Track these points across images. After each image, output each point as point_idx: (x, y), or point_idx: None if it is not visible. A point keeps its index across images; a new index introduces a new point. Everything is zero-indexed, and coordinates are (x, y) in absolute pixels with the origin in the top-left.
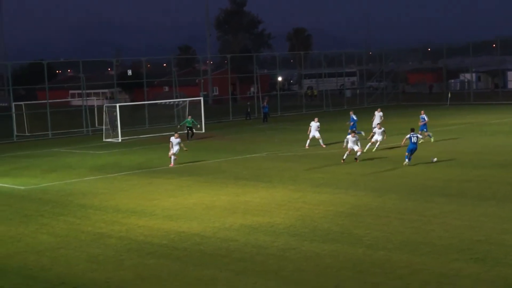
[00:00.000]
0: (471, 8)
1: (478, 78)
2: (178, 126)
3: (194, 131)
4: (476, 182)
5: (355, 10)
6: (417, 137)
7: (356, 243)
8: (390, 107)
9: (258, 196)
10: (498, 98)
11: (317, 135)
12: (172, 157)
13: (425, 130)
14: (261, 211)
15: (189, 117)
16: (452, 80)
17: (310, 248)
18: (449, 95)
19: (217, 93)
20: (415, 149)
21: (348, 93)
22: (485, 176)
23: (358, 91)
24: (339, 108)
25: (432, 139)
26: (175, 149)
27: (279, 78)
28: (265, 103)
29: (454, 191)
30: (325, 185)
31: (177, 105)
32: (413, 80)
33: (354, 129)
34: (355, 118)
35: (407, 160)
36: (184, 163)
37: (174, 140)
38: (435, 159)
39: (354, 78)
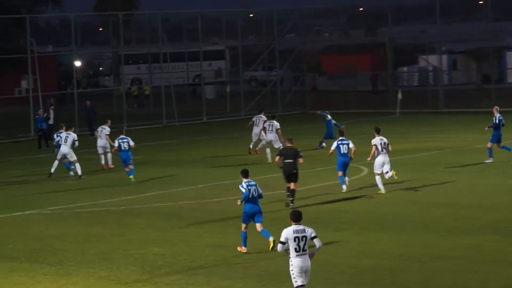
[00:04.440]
0: None
1: (453, 63)
2: None
3: None
4: None
5: None
6: (348, 144)
7: None
8: (287, 119)
9: None
10: (490, 102)
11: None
12: None
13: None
14: None
15: None
16: (405, 68)
17: None
18: (399, 96)
19: None
20: (347, 162)
21: (209, 91)
22: None
23: (228, 89)
24: (194, 119)
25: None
26: None
27: (77, 63)
28: (40, 112)
29: None
30: (164, 266)
31: None
32: (331, 67)
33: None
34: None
35: (343, 186)
36: None
37: None
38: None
39: (220, 63)
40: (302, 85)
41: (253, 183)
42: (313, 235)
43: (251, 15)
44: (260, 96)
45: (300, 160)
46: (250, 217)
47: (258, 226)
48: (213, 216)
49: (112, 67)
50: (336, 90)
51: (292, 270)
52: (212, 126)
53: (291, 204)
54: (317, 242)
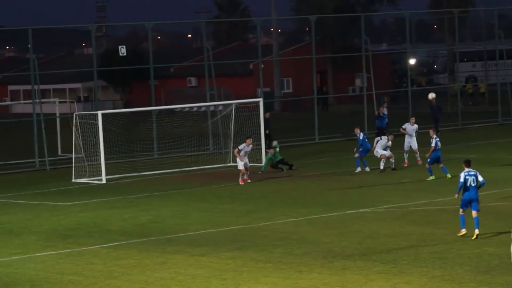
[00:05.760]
0: None
1: None
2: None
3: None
4: None
5: None
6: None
7: None
8: None
9: None
10: None
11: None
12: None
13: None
14: None
15: (275, 142)
16: None
17: None
18: None
19: (290, 90)
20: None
21: None
22: None
23: None
24: None
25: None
26: (245, 160)
27: (411, 61)
28: (382, 110)
29: None
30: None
31: (214, 112)
32: None
33: None
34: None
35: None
36: (225, 226)
37: (246, 147)
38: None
39: None
40: None
41: (472, 172)
42: None
43: None
44: None
45: None
46: (467, 203)
47: (474, 213)
48: None
49: (446, 65)
50: None
51: None
52: None
53: None
54: None
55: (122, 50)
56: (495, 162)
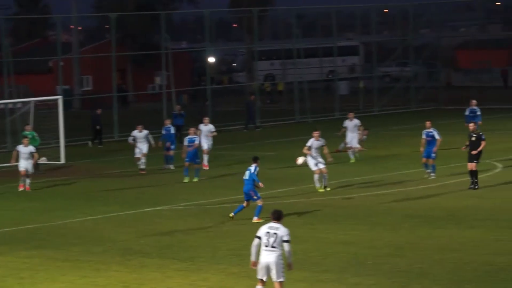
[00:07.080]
0: None
1: None
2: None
3: (41, 161)
4: None
5: None
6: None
7: None
8: (421, 114)
9: None
10: None
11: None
12: (27, 180)
13: None
14: None
15: (28, 127)
16: None
17: None
18: None
19: (90, 88)
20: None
21: (342, 87)
22: None
23: (361, 85)
24: (327, 115)
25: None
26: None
27: (211, 59)
28: (179, 108)
29: None
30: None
31: (12, 110)
32: (466, 63)
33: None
34: None
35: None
36: (22, 225)
37: (22, 148)
38: None
39: (354, 59)
40: (436, 81)
41: (250, 168)
42: (284, 238)
43: (386, 10)
44: (392, 92)
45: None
46: (245, 194)
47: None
48: (345, 212)
49: (245, 63)
50: (471, 85)
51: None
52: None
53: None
54: (286, 246)
55: None
56: (290, 159)
